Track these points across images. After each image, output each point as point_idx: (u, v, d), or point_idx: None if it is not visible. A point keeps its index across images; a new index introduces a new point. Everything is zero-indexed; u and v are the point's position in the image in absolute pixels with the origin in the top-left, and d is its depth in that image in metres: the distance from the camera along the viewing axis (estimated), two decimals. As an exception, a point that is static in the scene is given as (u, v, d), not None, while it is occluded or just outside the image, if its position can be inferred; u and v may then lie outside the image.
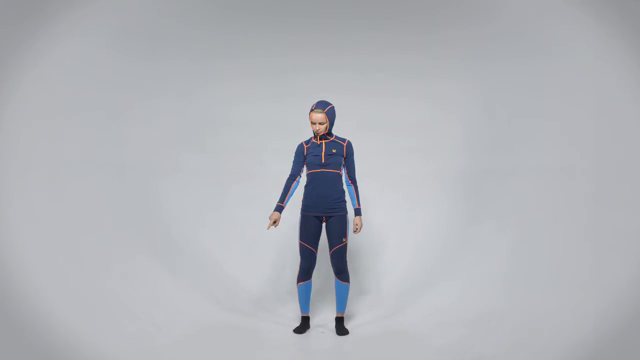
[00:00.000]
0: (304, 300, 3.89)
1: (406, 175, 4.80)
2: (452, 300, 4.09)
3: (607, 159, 3.84)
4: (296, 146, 3.89)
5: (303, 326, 3.88)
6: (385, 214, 4.76)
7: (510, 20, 4.34)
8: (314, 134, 3.82)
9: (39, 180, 3.95)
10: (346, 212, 3.83)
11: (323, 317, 4.13)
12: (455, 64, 4.70)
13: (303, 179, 3.90)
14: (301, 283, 3.86)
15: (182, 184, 4.73)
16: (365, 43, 4.85)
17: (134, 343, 3.43)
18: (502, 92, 4.48)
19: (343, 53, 4.87)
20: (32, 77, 3.92)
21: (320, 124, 3.76)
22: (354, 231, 3.83)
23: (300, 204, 3.86)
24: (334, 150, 3.79)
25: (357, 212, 3.85)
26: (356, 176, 3.90)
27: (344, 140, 3.86)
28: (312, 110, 3.76)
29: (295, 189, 3.86)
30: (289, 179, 3.86)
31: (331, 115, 3.78)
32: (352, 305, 4.19)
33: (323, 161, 3.78)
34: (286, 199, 3.82)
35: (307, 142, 3.88)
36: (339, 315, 3.89)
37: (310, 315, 3.99)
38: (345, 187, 3.88)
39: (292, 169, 3.87)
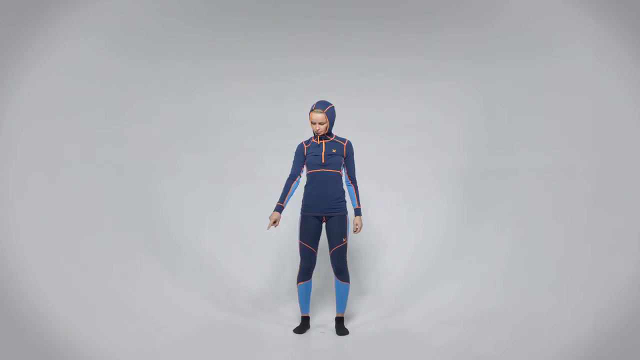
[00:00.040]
0: (304, 300, 3.89)
1: (406, 175, 4.79)
2: (452, 300, 4.09)
3: (607, 159, 3.84)
4: (296, 146, 3.90)
5: (303, 326, 3.88)
6: (385, 214, 4.76)
7: (510, 20, 4.34)
8: (314, 134, 3.82)
9: (39, 180, 3.95)
10: (346, 212, 3.83)
11: (323, 317, 4.13)
12: (455, 64, 4.70)
13: (303, 179, 3.90)
14: (301, 283, 3.86)
15: (182, 184, 4.73)
16: (365, 43, 4.85)
17: (134, 343, 3.43)
18: (502, 92, 4.48)
19: (343, 53, 4.87)
20: (32, 77, 3.92)
21: (320, 124, 3.76)
22: (354, 231, 3.83)
23: (300, 204, 3.86)
24: (334, 151, 3.79)
25: (357, 212, 3.85)
26: (356, 176, 3.90)
27: (344, 140, 3.86)
28: (312, 110, 3.76)
29: (295, 189, 3.86)
30: (289, 179, 3.86)
31: (331, 115, 3.78)
32: (352, 305, 4.19)
33: (323, 161, 3.78)
34: (286, 199, 3.82)
35: (307, 142, 3.88)
36: (339, 315, 3.89)
37: (310, 315, 3.99)
38: (345, 187, 3.88)
39: (292, 169, 3.87)
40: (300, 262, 3.84)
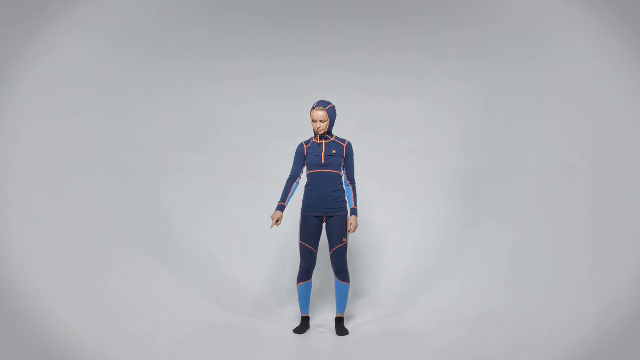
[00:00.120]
0: (304, 300, 3.89)
1: (406, 175, 4.79)
2: (452, 300, 4.09)
3: (607, 159, 3.84)
4: (296, 146, 3.90)
5: (303, 326, 3.88)
6: (385, 214, 4.76)
7: (510, 20, 4.34)
8: (315, 132, 3.82)
9: (39, 180, 3.95)
10: (346, 212, 3.84)
11: (323, 317, 4.13)
12: (455, 64, 4.70)
13: (303, 180, 3.90)
14: (301, 283, 3.86)
15: (182, 184, 4.73)
16: (365, 43, 4.85)
17: (134, 343, 3.43)
18: (502, 92, 4.48)
19: (343, 53, 4.86)
20: (32, 77, 3.92)
21: (321, 121, 3.76)
22: (349, 231, 3.83)
23: (301, 204, 3.86)
24: (334, 151, 3.79)
25: (353, 212, 3.84)
26: (355, 177, 3.90)
27: (344, 141, 3.86)
28: (313, 108, 3.77)
29: (295, 189, 3.87)
30: (289, 180, 3.86)
31: (332, 114, 3.78)
32: (352, 306, 4.19)
33: (323, 162, 3.78)
34: (287, 199, 3.82)
35: (307, 142, 3.88)
36: (339, 315, 3.89)
37: (310, 315, 3.99)
38: (344, 187, 3.88)
39: (292, 170, 3.88)
40: (301, 263, 3.84)
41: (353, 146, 3.89)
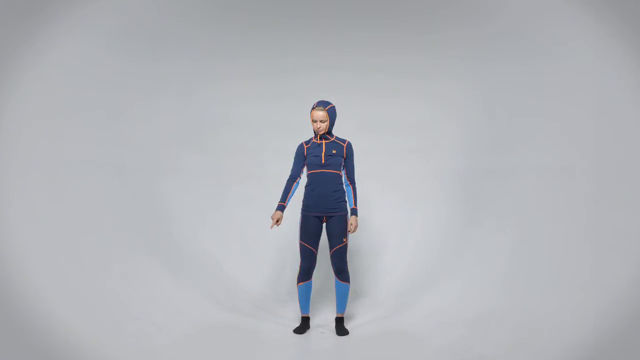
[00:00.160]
0: (304, 300, 3.89)
1: (406, 175, 4.79)
2: (452, 300, 4.09)
3: (607, 159, 3.84)
4: (296, 146, 3.90)
5: (303, 326, 3.88)
6: (385, 214, 4.76)
7: (510, 20, 4.34)
8: (315, 132, 3.82)
9: (39, 180, 3.95)
10: (347, 212, 3.84)
11: (323, 317, 4.13)
12: (455, 64, 4.70)
13: (303, 180, 3.90)
14: (301, 283, 3.86)
15: (182, 184, 4.73)
16: (365, 43, 4.85)
17: (134, 343, 3.43)
18: (502, 92, 4.48)
19: (343, 53, 4.86)
20: (32, 77, 3.92)
21: (321, 121, 3.76)
22: (349, 231, 3.83)
23: (301, 204, 3.86)
24: (334, 151, 3.79)
25: (353, 212, 3.84)
26: (355, 177, 3.90)
27: (344, 141, 3.86)
28: (313, 108, 3.77)
29: (295, 189, 3.87)
30: (289, 180, 3.86)
31: (332, 114, 3.78)
32: (352, 306, 4.19)
33: (323, 162, 3.78)
34: (287, 199, 3.82)
35: (307, 142, 3.88)
36: (339, 315, 3.89)
37: (310, 315, 3.99)
38: (344, 187, 3.87)
39: (292, 170, 3.88)
40: (301, 263, 3.84)
41: (353, 146, 3.89)
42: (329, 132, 3.83)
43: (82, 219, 4.09)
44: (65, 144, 4.12)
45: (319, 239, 3.84)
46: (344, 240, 3.79)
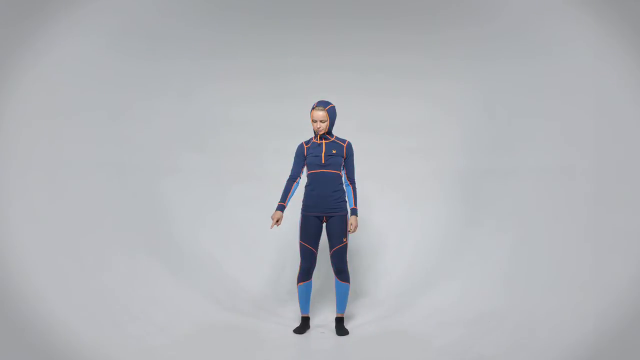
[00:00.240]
0: (304, 300, 3.89)
1: (406, 175, 4.79)
2: (452, 300, 4.09)
3: (607, 159, 3.84)
4: (296, 146, 3.90)
5: (303, 326, 3.88)
6: (385, 214, 4.76)
7: (510, 20, 4.34)
8: (315, 132, 3.82)
9: (39, 180, 3.95)
10: (347, 212, 3.84)
11: (323, 317, 4.13)
12: (455, 64, 4.70)
13: (303, 180, 3.90)
14: (301, 283, 3.86)
15: (182, 184, 4.73)
16: (365, 43, 4.85)
17: (134, 343, 3.43)
18: (502, 92, 4.48)
19: (343, 53, 4.86)
20: (32, 77, 3.92)
21: (321, 121, 3.76)
22: (349, 231, 3.83)
23: (301, 204, 3.86)
24: (334, 151, 3.79)
25: (353, 212, 3.84)
26: (355, 177, 3.90)
27: (344, 141, 3.86)
28: (313, 108, 3.77)
29: (295, 189, 3.87)
30: (289, 180, 3.86)
31: (332, 114, 3.78)
32: (352, 306, 4.19)
33: (323, 162, 3.78)
34: (287, 199, 3.82)
35: (307, 142, 3.88)
36: (339, 315, 3.89)
37: (310, 315, 3.99)
38: (344, 187, 3.87)
39: (292, 170, 3.88)
40: (301, 263, 3.84)
41: (353, 146, 3.89)
42: (329, 132, 3.83)
43: (82, 219, 4.09)
44: (65, 144, 4.12)
45: (319, 239, 3.84)
46: (344, 240, 3.79)
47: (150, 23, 4.53)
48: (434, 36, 4.72)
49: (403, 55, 4.80)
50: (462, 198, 4.61)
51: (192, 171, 4.78)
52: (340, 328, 3.85)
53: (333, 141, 3.83)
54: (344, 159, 3.84)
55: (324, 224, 3.84)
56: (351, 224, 3.81)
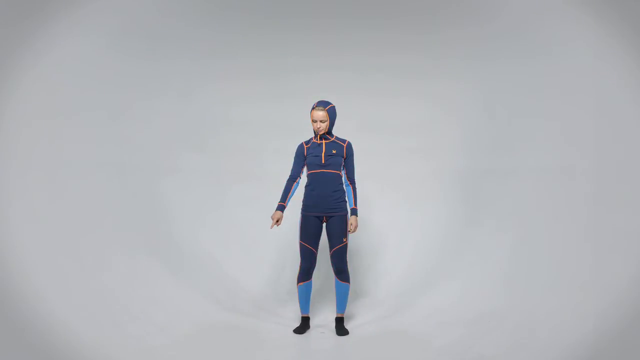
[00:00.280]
0: (304, 300, 3.89)
1: (406, 175, 4.79)
2: (452, 300, 4.09)
3: (607, 159, 3.84)
4: (296, 146, 3.90)
5: (303, 326, 3.88)
6: (385, 214, 4.76)
7: (510, 20, 4.34)
8: (315, 132, 3.82)
9: (39, 180, 3.95)
10: (347, 212, 3.84)
11: (323, 317, 4.13)
12: (455, 64, 4.70)
13: (303, 180, 3.90)
14: (301, 283, 3.86)
15: (182, 184, 4.73)
16: (365, 43, 4.85)
17: (134, 343, 3.43)
18: (502, 92, 4.48)
19: (343, 53, 4.86)
20: (32, 77, 3.92)
21: (321, 121, 3.76)
22: (349, 231, 3.83)
23: (301, 204, 3.86)
24: (334, 151, 3.79)
25: (353, 212, 3.84)
26: (355, 177, 3.90)
27: (344, 141, 3.86)
28: (313, 108, 3.77)
29: (295, 189, 3.87)
30: (289, 180, 3.86)
31: (332, 114, 3.78)
32: (352, 306, 4.19)
33: (323, 162, 3.78)
34: (287, 199, 3.82)
35: (307, 142, 3.88)
36: (339, 315, 3.89)
37: (310, 315, 3.99)
38: (344, 187, 3.87)
39: (292, 170, 3.88)
40: (301, 263, 3.84)
41: (353, 146, 3.89)
42: (329, 132, 3.83)
43: (82, 218, 4.09)
44: (65, 144, 4.12)
45: (319, 239, 3.84)
46: (344, 240, 3.79)
47: (150, 23, 4.53)
48: (434, 36, 4.72)
49: (403, 55, 4.80)
50: (462, 198, 4.61)
51: (192, 171, 4.78)
52: (340, 328, 3.85)
53: (333, 141, 3.83)
54: (344, 159, 3.84)
55: (324, 224, 3.84)
56: (351, 224, 3.81)
